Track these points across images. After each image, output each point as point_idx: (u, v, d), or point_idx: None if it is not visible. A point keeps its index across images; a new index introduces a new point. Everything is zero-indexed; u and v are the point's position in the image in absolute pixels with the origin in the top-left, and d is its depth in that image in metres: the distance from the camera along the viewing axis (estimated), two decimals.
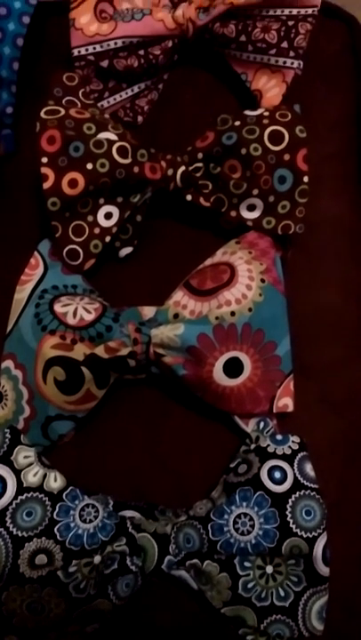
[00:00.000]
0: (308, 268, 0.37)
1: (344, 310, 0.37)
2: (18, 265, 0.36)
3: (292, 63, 0.37)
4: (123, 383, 0.34)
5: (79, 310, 0.32)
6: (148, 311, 0.34)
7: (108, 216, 0.35)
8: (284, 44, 0.37)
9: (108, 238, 0.35)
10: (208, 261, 0.35)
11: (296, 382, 0.33)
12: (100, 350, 0.31)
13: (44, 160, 0.33)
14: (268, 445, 0.30)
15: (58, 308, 0.32)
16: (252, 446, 0.32)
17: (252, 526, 0.28)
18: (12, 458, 0.29)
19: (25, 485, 0.28)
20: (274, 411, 0.33)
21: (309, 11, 0.37)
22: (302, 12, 0.37)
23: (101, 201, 0.35)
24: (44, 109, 0.34)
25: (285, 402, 0.33)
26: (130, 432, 0.34)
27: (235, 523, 0.28)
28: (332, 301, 0.37)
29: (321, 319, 0.36)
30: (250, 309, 0.32)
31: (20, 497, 0.28)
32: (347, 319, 0.37)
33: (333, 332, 0.36)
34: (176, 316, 0.33)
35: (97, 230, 0.35)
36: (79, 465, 0.33)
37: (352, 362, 0.36)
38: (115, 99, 0.40)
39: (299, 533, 0.28)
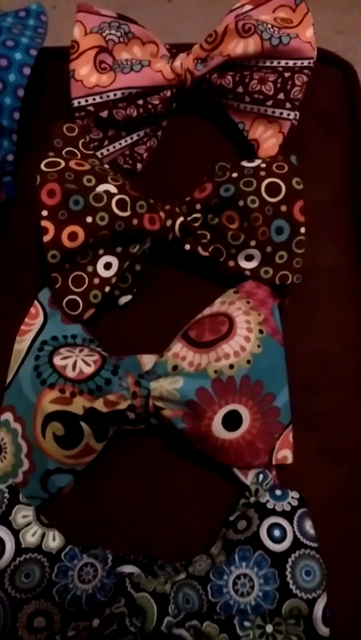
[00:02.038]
0: (306, 316, 0.37)
1: (342, 358, 0.37)
2: (18, 312, 0.36)
3: (289, 114, 0.38)
4: (122, 433, 0.34)
5: (78, 363, 0.32)
6: (148, 360, 0.35)
7: (108, 266, 0.36)
8: (281, 96, 0.38)
9: (107, 288, 0.35)
10: (207, 311, 0.35)
11: (295, 431, 0.33)
12: (99, 404, 0.31)
13: (44, 213, 0.33)
14: (268, 501, 0.30)
15: (57, 360, 0.32)
16: (252, 500, 0.31)
17: (252, 587, 0.28)
18: (10, 518, 0.29)
19: (23, 546, 0.28)
20: (273, 463, 0.33)
21: (305, 62, 0.38)
22: (298, 63, 0.38)
23: (101, 251, 0.35)
24: (45, 162, 0.35)
25: (285, 454, 0.33)
26: (129, 483, 0.34)
27: (234, 584, 0.28)
28: (329, 349, 0.37)
29: (319, 367, 0.36)
30: (248, 361, 0.32)
31: (18, 558, 0.28)
32: (344, 367, 0.37)
33: (331, 381, 0.36)
34: (175, 367, 0.33)
35: (96, 280, 0.35)
36: (78, 516, 0.33)
37: (350, 410, 0.36)
38: (114, 146, 0.40)
39: (299, 595, 0.28)
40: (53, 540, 0.29)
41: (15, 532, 0.29)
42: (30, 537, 0.29)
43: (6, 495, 0.30)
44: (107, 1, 0.97)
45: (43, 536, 0.29)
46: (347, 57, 0.50)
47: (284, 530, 0.29)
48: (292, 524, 0.29)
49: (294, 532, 0.29)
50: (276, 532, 0.29)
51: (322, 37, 0.39)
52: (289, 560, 0.28)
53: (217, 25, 0.38)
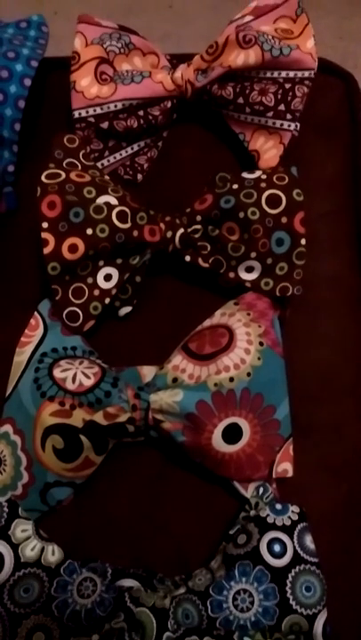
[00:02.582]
0: (307, 327, 0.37)
1: (342, 369, 0.37)
2: (18, 323, 0.36)
3: (289, 125, 0.38)
4: (121, 445, 0.34)
5: (78, 375, 0.32)
6: (148, 371, 0.34)
7: (108, 278, 0.35)
8: (281, 107, 0.38)
9: (107, 300, 0.35)
10: (207, 322, 0.35)
11: (295, 443, 0.33)
12: (98, 417, 0.31)
13: (45, 225, 0.33)
14: (268, 515, 0.30)
15: (57, 373, 0.32)
16: (252, 513, 0.31)
17: (252, 603, 0.28)
18: (9, 532, 0.29)
19: (22, 560, 0.28)
20: (273, 476, 0.33)
21: (306, 74, 0.38)
22: (299, 74, 0.38)
23: (101, 263, 0.35)
24: (45, 173, 0.35)
25: (285, 467, 0.33)
26: (128, 495, 0.34)
27: (234, 599, 0.28)
28: (330, 361, 0.37)
29: (319, 379, 0.36)
30: (248, 374, 0.32)
31: (17, 573, 0.28)
32: (345, 379, 0.37)
33: (332, 392, 0.36)
34: (175, 380, 0.33)
35: (96, 292, 0.35)
36: (78, 529, 0.33)
37: (351, 422, 0.36)
38: (115, 157, 0.40)
39: (299, 610, 0.28)
40: (53, 555, 0.29)
41: (14, 547, 0.29)
42: (29, 551, 0.29)
43: (5, 509, 0.30)
44: (109, 6, 0.97)
45: (42, 550, 0.29)
46: (347, 63, 0.50)
47: (284, 545, 0.29)
48: (292, 538, 0.29)
49: (294, 547, 0.29)
50: (277, 547, 0.29)
51: (322, 43, 0.39)
52: (289, 575, 0.28)
53: (218, 30, 0.38)
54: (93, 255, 0.34)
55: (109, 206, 0.34)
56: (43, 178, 0.34)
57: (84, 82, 0.38)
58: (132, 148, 0.41)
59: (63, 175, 0.35)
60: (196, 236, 0.36)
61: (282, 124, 0.38)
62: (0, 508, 0.30)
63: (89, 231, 0.34)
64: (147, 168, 0.41)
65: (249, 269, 0.36)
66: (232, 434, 0.32)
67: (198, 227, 0.36)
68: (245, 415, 0.32)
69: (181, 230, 0.36)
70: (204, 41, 0.39)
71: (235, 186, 0.35)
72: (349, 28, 1.01)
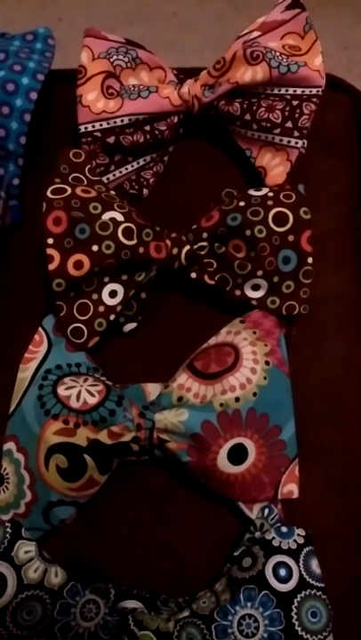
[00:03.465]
0: (313, 346, 0.37)
1: (349, 388, 0.37)
2: (22, 339, 0.36)
3: (297, 143, 0.38)
4: (125, 464, 0.34)
5: (83, 393, 0.32)
6: (152, 388, 0.34)
7: (113, 294, 0.35)
8: (289, 124, 0.37)
9: (112, 317, 0.35)
10: (212, 340, 0.35)
11: (301, 464, 0.33)
12: (103, 436, 0.31)
13: (50, 241, 0.33)
14: (273, 538, 0.30)
15: (61, 390, 0.32)
16: (257, 535, 0.31)
17: (257, 628, 0.27)
18: (12, 554, 0.28)
19: (25, 582, 0.28)
20: (279, 497, 0.32)
21: (314, 91, 0.38)
22: (307, 91, 0.38)
23: (106, 279, 0.35)
24: (51, 188, 0.35)
25: (290, 488, 0.33)
26: (132, 515, 0.34)
27: (239, 624, 0.28)
28: (336, 380, 0.37)
29: (325, 398, 0.36)
30: (254, 394, 0.32)
31: (20, 595, 0.28)
32: (352, 397, 0.36)
33: (338, 412, 0.36)
34: (180, 399, 0.33)
35: (101, 308, 0.35)
36: (81, 548, 0.33)
37: (358, 442, 0.36)
38: (120, 172, 0.40)
39: (304, 636, 0.27)
40: (56, 577, 0.29)
41: (17, 568, 0.28)
42: (32, 573, 0.28)
43: (8, 530, 0.29)
44: (113, 13, 0.97)
45: (45, 572, 0.29)
46: (352, 72, 0.49)
47: (289, 569, 0.29)
48: (298, 562, 0.29)
49: (300, 572, 0.29)
50: (282, 572, 0.29)
51: (327, 53, 0.39)
52: (295, 601, 0.28)
53: (222, 39, 0.38)
54: (99, 272, 0.34)
55: (115, 222, 0.34)
56: (48, 193, 0.34)
57: (91, 96, 0.38)
58: (138, 163, 0.40)
59: (69, 190, 0.35)
60: (202, 252, 0.36)
61: (289, 141, 0.38)
62: (3, 529, 0.29)
63: (94, 248, 0.33)
64: (153, 183, 0.41)
65: (255, 287, 0.35)
66: (237, 454, 0.31)
67: (204, 244, 0.35)
68: (251, 435, 0.32)
69: (187, 247, 0.35)
70: (209, 49, 0.39)
71: (241, 203, 0.35)
72: (354, 38, 1.01)
